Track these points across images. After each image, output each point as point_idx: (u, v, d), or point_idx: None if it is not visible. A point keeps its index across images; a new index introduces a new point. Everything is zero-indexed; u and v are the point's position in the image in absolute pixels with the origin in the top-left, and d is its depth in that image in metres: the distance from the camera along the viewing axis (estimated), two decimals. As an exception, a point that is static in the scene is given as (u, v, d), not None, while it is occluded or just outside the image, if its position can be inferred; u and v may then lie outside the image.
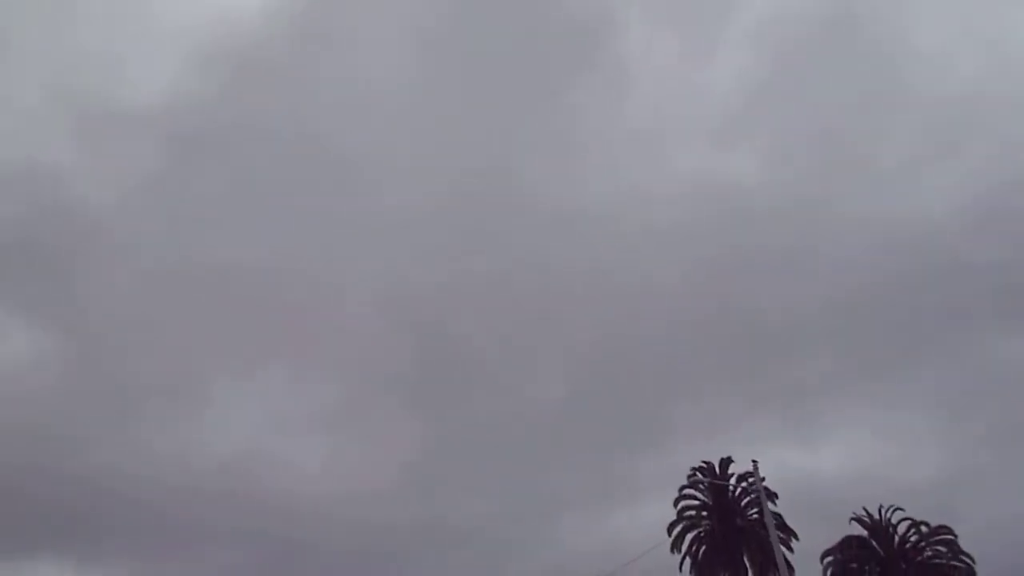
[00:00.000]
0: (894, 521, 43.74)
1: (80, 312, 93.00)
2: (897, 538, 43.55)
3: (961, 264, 77.29)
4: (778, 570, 41.12)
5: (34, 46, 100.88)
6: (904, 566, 42.34)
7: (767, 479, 40.72)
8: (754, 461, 25.70)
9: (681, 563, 42.56)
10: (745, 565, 41.84)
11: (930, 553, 42.40)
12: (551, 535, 77.67)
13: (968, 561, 41.24)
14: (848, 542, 44.02)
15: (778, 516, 42.13)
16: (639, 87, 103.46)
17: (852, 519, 44.55)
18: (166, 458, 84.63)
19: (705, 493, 44.41)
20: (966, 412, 74.45)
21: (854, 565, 43.58)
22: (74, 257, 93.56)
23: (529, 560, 74.68)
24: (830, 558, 44.23)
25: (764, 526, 42.54)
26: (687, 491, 44.24)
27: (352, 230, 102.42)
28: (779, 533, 42.06)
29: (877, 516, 44.41)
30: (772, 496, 41.82)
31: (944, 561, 41.82)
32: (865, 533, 44.22)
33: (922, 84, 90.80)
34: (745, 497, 43.19)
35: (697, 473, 44.16)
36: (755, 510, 43.24)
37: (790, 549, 41.38)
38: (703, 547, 42.94)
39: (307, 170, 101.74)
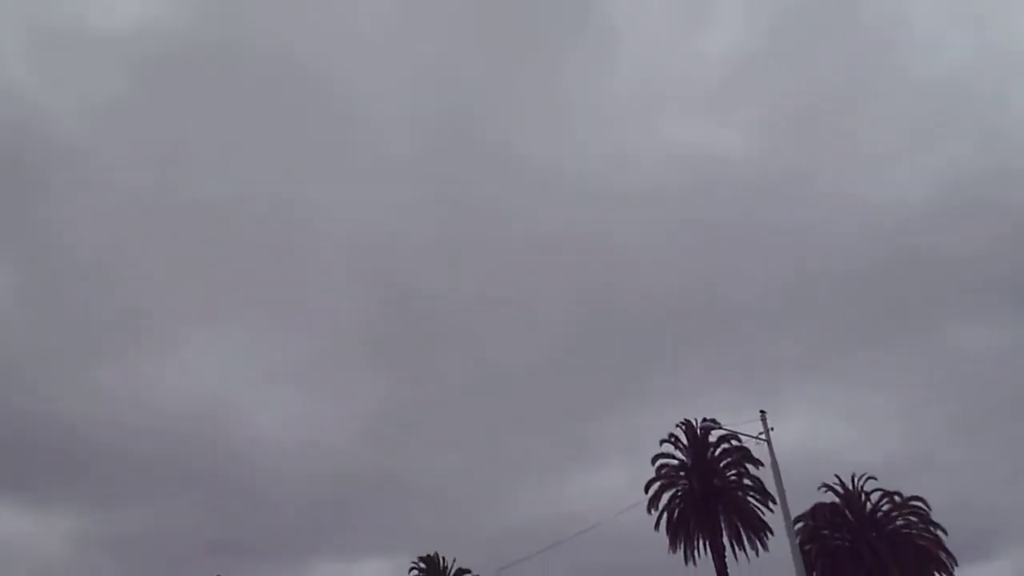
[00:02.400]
0: (867, 490, 44.13)
1: (41, 241, 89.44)
2: (869, 506, 43.89)
3: (934, 253, 78.23)
4: (760, 533, 41.42)
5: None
6: (874, 534, 42.64)
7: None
8: (762, 411, 25.12)
9: (657, 521, 42.34)
10: (721, 527, 41.75)
11: (901, 523, 42.75)
12: (510, 496, 77.68)
13: (939, 533, 41.70)
14: (819, 509, 44.21)
15: (757, 480, 42.13)
16: (629, 51, 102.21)
17: (823, 487, 44.79)
18: (126, 399, 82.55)
19: (685, 453, 44.17)
20: (927, 398, 75.87)
21: (825, 532, 43.89)
22: (36, 182, 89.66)
23: (486, 520, 74.61)
24: (800, 524, 44.46)
25: (742, 488, 42.60)
26: (666, 447, 44.00)
27: (328, 173, 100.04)
28: (758, 496, 42.19)
29: (850, 485, 44.77)
30: (756, 461, 41.73)
31: (915, 531, 42.24)
32: (837, 501, 44.62)
33: (911, 67, 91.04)
34: (725, 458, 43.02)
35: (677, 430, 43.93)
36: (734, 472, 43.15)
37: (770, 511, 41.40)
38: (680, 506, 42.74)
39: (286, 104, 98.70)
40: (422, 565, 55.36)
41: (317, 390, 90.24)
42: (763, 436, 24.63)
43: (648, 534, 42.87)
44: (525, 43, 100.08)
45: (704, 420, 43.95)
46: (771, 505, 41.80)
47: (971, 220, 76.46)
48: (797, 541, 43.46)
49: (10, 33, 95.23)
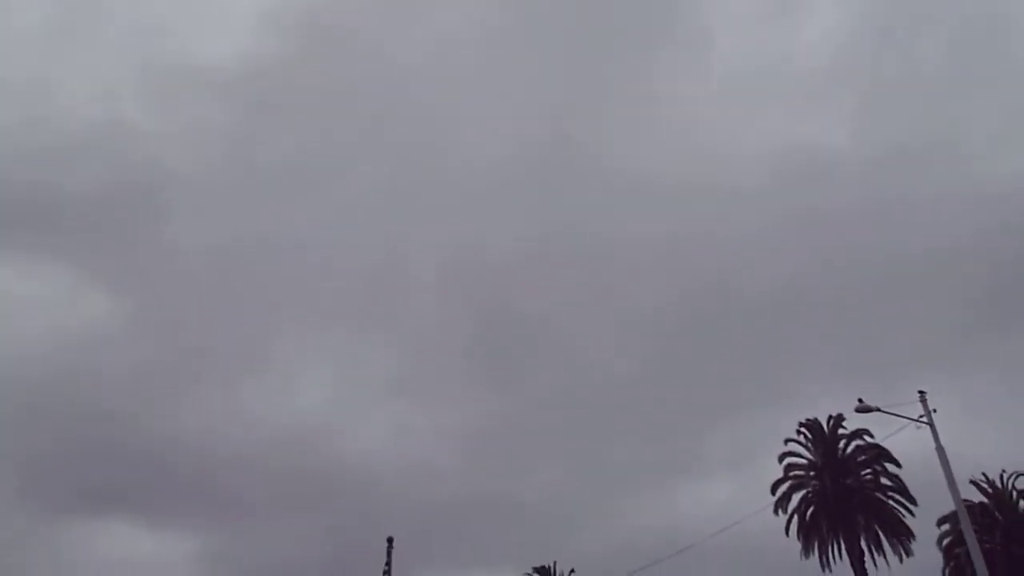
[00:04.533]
0: (1019, 487, 40.62)
1: (160, 267, 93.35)
2: (1022, 506, 40.34)
3: None
4: (902, 538, 38.39)
5: (118, 10, 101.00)
6: (1032, 536, 39.07)
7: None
8: (921, 392, 22.89)
9: (788, 523, 39.88)
10: (860, 528, 38.93)
11: (1064, 522, 39.04)
12: (615, 510, 75.61)
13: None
14: (967, 509, 40.84)
15: (897, 479, 39.23)
16: (719, 46, 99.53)
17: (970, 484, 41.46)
18: (241, 420, 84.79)
19: (812, 452, 41.61)
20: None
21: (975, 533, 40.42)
22: (155, 210, 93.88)
23: (592, 536, 72.70)
24: (946, 525, 41.25)
25: (880, 487, 39.71)
26: (792, 446, 41.54)
27: (416, 196, 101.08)
28: (898, 496, 39.27)
29: (999, 484, 41.36)
30: (894, 460, 38.94)
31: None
32: (985, 501, 41.22)
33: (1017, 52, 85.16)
34: (860, 456, 40.24)
35: (803, 428, 41.46)
36: (868, 471, 40.32)
37: (912, 514, 38.47)
38: (812, 508, 40.16)
39: (377, 134, 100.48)
40: (535, 576, 54.46)
41: (415, 409, 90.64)
42: (924, 419, 22.44)
43: (773, 541, 40.58)
44: (615, 46, 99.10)
45: (831, 416, 41.41)
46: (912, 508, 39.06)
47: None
48: (946, 543, 40.76)
49: (126, 71, 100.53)
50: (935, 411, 22.64)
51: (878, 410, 22.96)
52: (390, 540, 36.26)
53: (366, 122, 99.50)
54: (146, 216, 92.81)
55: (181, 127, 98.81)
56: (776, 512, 40.36)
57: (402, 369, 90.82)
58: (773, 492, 40.75)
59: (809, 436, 41.41)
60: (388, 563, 35.80)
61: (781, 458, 41.37)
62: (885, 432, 39.20)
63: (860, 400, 23.11)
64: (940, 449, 22.31)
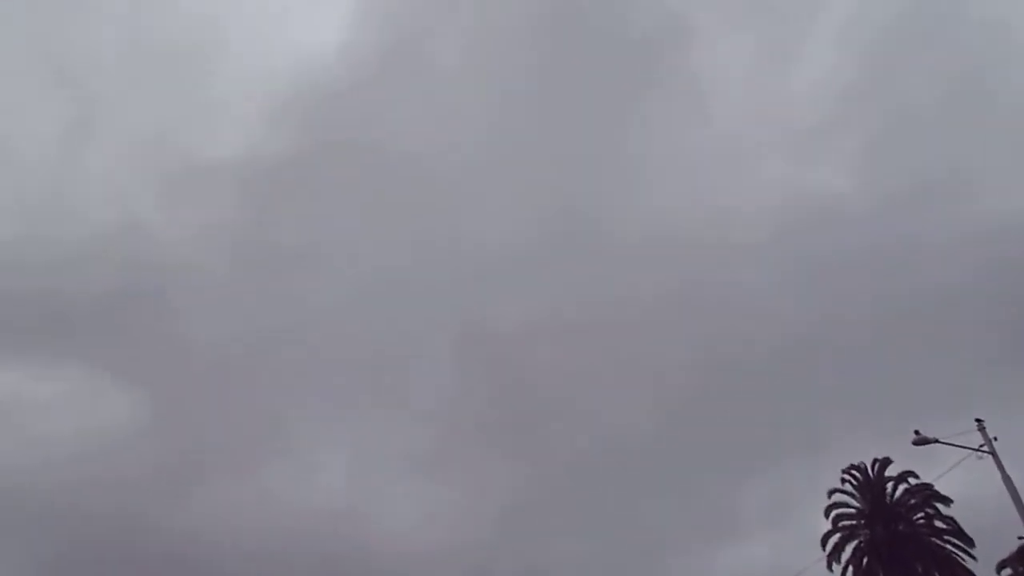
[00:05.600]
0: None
1: (168, 359, 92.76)
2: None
3: None
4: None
5: (121, 106, 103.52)
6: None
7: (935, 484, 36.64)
8: (978, 420, 21.90)
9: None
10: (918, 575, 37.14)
11: None
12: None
13: None
14: (1027, 550, 39.07)
15: (951, 520, 37.61)
16: (714, 98, 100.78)
17: (1026, 526, 39.67)
18: (257, 508, 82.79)
19: (858, 499, 40.06)
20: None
21: (1038, 575, 38.56)
22: (157, 313, 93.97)
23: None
24: (1007, 570, 39.32)
25: (934, 531, 38.08)
26: (838, 496, 40.00)
27: (424, 273, 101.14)
28: (955, 540, 37.59)
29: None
30: (945, 500, 37.46)
31: None
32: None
33: (1016, 86, 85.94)
34: (910, 499, 38.70)
35: (849, 475, 40.02)
36: (920, 514, 38.70)
37: (973, 557, 36.73)
38: (865, 557, 38.39)
39: (383, 218, 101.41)
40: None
41: (439, 487, 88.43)
42: (985, 448, 21.40)
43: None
44: (609, 109, 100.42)
45: (877, 460, 40.03)
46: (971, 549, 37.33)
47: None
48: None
49: (139, 175, 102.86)
50: (996, 439, 21.63)
51: (936, 441, 21.94)
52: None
53: (372, 208, 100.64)
54: (159, 313, 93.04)
55: (190, 226, 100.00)
56: (829, 567, 38.67)
57: (420, 449, 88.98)
58: (823, 545, 39.14)
59: (855, 483, 39.94)
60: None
61: (828, 510, 39.86)
62: (932, 471, 38.07)
63: (917, 432, 22.11)
64: (1007, 479, 21.20)
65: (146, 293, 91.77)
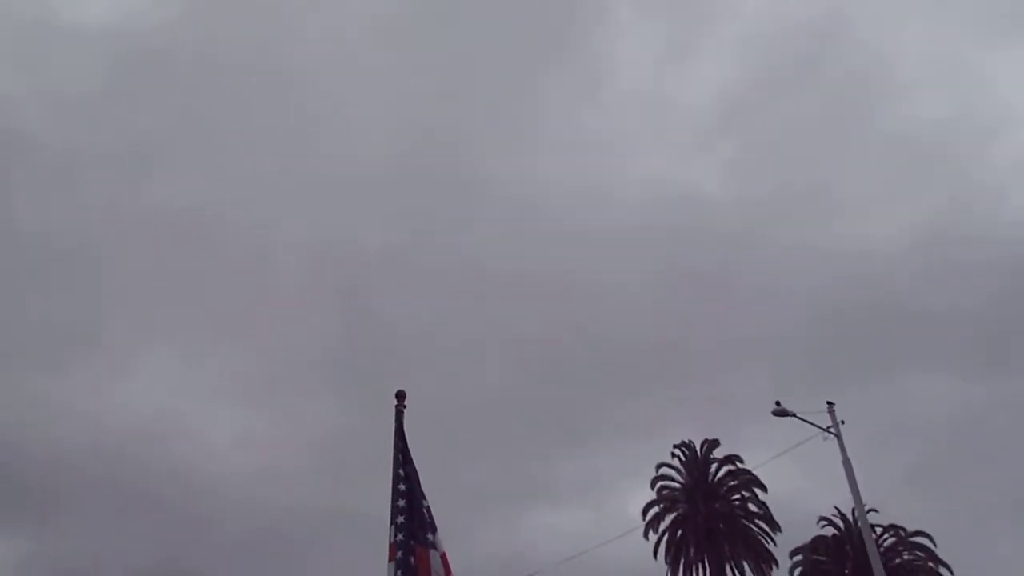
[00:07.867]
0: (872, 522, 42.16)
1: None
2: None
3: (898, 308, 77.12)
4: (765, 564, 38.66)
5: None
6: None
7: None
8: (829, 403, 22.70)
9: (656, 546, 39.32)
10: (725, 553, 38.93)
11: (908, 557, 40.70)
12: (465, 532, 73.27)
13: (947, 569, 39.73)
14: (819, 542, 41.99)
15: (764, 505, 39.67)
16: (612, 86, 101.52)
17: (821, 520, 42.66)
18: (67, 413, 75.97)
19: (683, 475, 41.50)
20: (882, 448, 74.48)
21: (827, 566, 41.56)
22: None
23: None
24: (799, 556, 42.15)
25: (748, 514, 39.99)
26: (665, 470, 41.25)
27: (291, 182, 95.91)
28: (763, 524, 39.67)
29: (850, 518, 42.78)
30: (763, 486, 39.39)
31: (922, 564, 40.21)
32: (837, 534, 42.49)
33: (889, 119, 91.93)
34: (731, 480, 40.48)
35: (678, 450, 41.35)
36: (737, 496, 40.62)
37: (773, 542, 38.96)
38: (680, 530, 39.84)
39: (260, 111, 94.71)
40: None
41: (266, 412, 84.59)
42: (832, 430, 22.22)
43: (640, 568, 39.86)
44: (508, 73, 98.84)
45: (706, 440, 41.61)
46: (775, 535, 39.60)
47: (934, 279, 76.11)
48: (798, 573, 41.58)
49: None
50: (843, 423, 22.52)
51: (794, 415, 22.50)
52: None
53: (252, 92, 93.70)
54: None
55: (46, 82, 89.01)
56: (646, 535, 39.83)
57: (255, 369, 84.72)
58: (644, 514, 40.25)
59: (683, 459, 41.30)
60: None
61: (654, 482, 41.05)
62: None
63: (778, 403, 22.56)
64: (847, 461, 22.09)
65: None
